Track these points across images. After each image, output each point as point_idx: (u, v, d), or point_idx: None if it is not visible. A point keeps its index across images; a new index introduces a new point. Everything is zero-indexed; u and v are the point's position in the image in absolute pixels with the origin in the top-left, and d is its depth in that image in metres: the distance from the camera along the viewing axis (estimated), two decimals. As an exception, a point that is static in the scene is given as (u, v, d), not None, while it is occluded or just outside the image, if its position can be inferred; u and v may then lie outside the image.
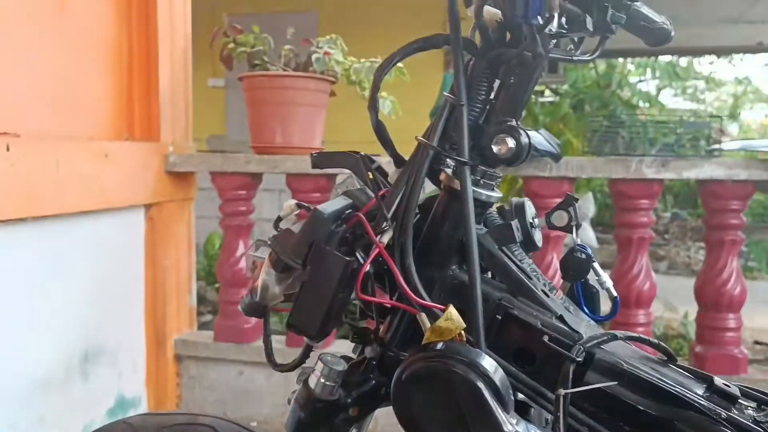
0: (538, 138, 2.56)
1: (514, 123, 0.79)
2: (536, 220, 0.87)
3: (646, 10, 1.04)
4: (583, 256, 0.86)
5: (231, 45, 2.68)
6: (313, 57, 2.56)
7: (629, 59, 10.79)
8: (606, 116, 7.37)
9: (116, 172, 2.39)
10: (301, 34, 2.80)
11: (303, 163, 2.52)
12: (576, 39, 0.90)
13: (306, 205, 0.88)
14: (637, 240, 2.43)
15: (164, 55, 2.63)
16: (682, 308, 4.32)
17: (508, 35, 0.79)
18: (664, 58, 11.13)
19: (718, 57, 11.89)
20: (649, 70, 10.85)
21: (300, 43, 2.73)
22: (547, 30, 0.74)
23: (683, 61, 12.26)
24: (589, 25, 0.79)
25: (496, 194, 0.82)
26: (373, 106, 0.83)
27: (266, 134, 2.63)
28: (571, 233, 0.86)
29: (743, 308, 2.44)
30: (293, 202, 0.90)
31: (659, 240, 8.32)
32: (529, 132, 2.37)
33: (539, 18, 0.70)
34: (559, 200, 2.36)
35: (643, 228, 2.45)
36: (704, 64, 13.17)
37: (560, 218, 0.87)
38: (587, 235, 7.76)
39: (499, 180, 0.82)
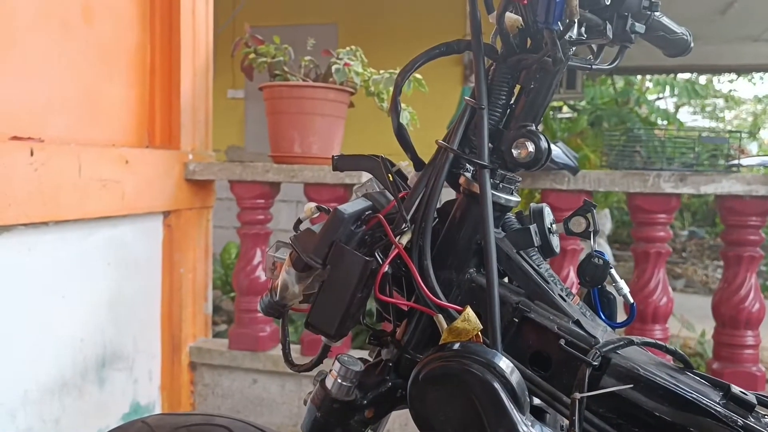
0: (557, 150, 2.56)
1: (533, 127, 0.80)
2: (554, 226, 0.88)
3: (666, 20, 1.04)
4: (600, 262, 0.86)
5: (252, 55, 2.71)
6: (333, 68, 2.58)
7: (647, 76, 10.76)
8: (624, 132, 7.36)
9: (136, 179, 2.42)
10: (321, 45, 2.83)
11: (321, 173, 2.54)
12: (595, 48, 0.90)
13: (326, 207, 0.89)
14: (655, 254, 2.42)
15: (186, 64, 2.66)
16: (699, 327, 4.28)
17: (529, 41, 0.80)
18: (683, 76, 11.09)
19: (738, 75, 11.83)
20: (667, 88, 10.80)
21: (320, 54, 2.76)
22: (567, 36, 0.75)
23: (702, 79, 12.22)
24: (609, 34, 0.79)
25: (515, 198, 0.82)
26: (395, 109, 0.84)
27: (285, 143, 2.65)
28: (589, 239, 0.86)
29: (762, 326, 2.42)
30: (313, 204, 0.91)
31: (676, 258, 8.26)
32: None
33: (560, 24, 0.71)
34: (576, 213, 2.35)
35: (660, 242, 2.44)
36: (724, 83, 13.13)
37: (578, 224, 0.87)
38: (604, 251, 7.72)
39: (518, 184, 0.83)
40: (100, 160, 2.24)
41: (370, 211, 0.80)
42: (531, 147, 0.78)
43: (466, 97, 0.80)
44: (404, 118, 2.63)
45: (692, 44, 1.13)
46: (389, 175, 0.83)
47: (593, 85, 8.85)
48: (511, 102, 0.82)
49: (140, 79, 2.58)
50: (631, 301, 0.86)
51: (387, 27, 6.09)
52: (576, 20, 0.71)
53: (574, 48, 0.79)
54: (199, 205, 2.82)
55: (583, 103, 8.79)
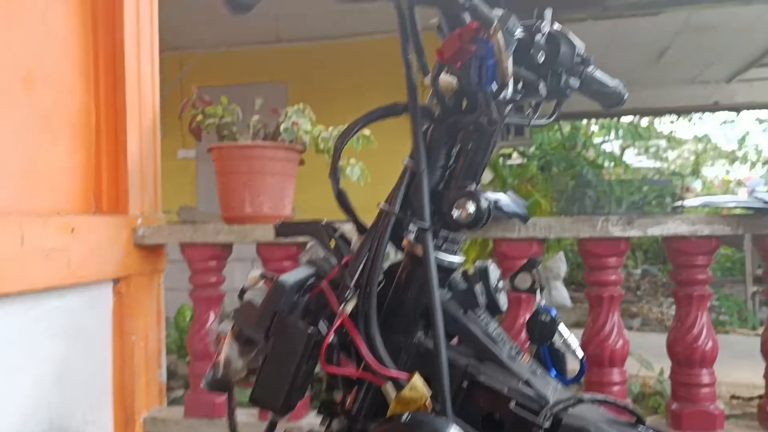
0: (506, 200, 2.59)
1: (473, 187, 0.80)
2: (501, 283, 0.88)
3: (599, 74, 1.07)
4: (548, 319, 0.86)
5: (200, 117, 2.71)
6: (282, 127, 2.59)
7: (593, 120, 11.07)
8: (572, 177, 7.52)
9: (83, 247, 2.36)
10: (271, 104, 2.84)
11: (273, 232, 2.51)
12: (533, 104, 0.92)
13: (270, 275, 0.87)
14: (608, 298, 2.44)
15: (132, 127, 2.64)
16: (657, 365, 4.32)
17: (465, 102, 0.81)
18: (627, 119, 11.44)
19: (678, 116, 12.26)
20: (612, 131, 11.13)
21: (269, 112, 2.77)
22: (501, 97, 0.76)
23: (645, 121, 12.63)
24: (543, 92, 0.81)
25: (459, 258, 0.82)
26: (334, 174, 0.84)
27: (236, 204, 2.63)
28: (535, 295, 0.86)
29: (719, 363, 2.44)
30: (257, 272, 0.89)
31: (632, 297, 8.38)
32: (496, 194, 2.39)
33: (493, 86, 0.72)
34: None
35: (613, 286, 2.46)
36: (665, 124, 13.58)
37: (524, 281, 0.87)
38: (561, 294, 7.79)
39: (462, 244, 0.83)
40: (43, 229, 2.18)
41: (313, 279, 0.79)
42: (471, 208, 0.78)
43: (405, 160, 0.80)
44: (355, 173, 2.65)
45: (626, 95, 1.16)
46: (332, 240, 0.82)
47: (541, 131, 9.05)
48: (451, 162, 0.82)
49: (85, 143, 2.54)
50: (580, 355, 0.86)
51: (336, 84, 6.16)
52: (509, 81, 0.72)
53: (510, 106, 0.80)
54: (150, 269, 2.76)
55: (532, 148, 8.98)
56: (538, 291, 0.86)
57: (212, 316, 2.67)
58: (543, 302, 0.86)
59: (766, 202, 2.35)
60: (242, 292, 0.90)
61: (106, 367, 2.55)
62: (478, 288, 0.82)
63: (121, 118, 2.60)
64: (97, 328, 2.52)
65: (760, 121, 13.31)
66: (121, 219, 2.60)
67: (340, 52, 6.62)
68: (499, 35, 0.68)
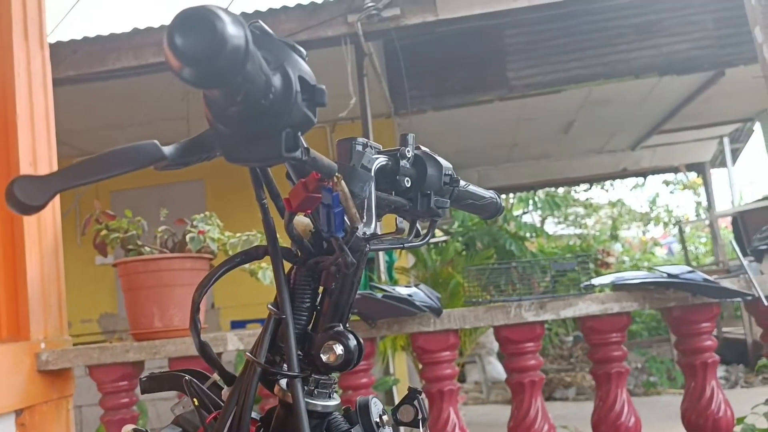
0: (419, 294, 2.57)
1: (341, 328, 0.78)
2: (384, 418, 0.85)
3: (472, 188, 1.09)
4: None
5: (104, 232, 2.64)
6: (188, 237, 2.54)
7: (511, 194, 11.39)
8: (497, 251, 7.64)
9: (-21, 381, 2.22)
10: (189, 202, 2.81)
11: (184, 346, 2.43)
12: (403, 229, 0.92)
13: (143, 430, 0.82)
14: (529, 383, 2.45)
15: (32, 250, 2.54)
16: (593, 437, 4.31)
17: (325, 243, 0.80)
18: (543, 191, 11.82)
19: (591, 184, 12.76)
20: (530, 203, 11.46)
21: (174, 222, 2.72)
22: (362, 234, 0.75)
23: (561, 191, 13.08)
24: (401, 225, 0.81)
25: (334, 402, 0.80)
26: (195, 327, 0.81)
27: (145, 319, 2.54)
28: (419, 428, 0.84)
29: (653, 426, 2.46)
30: (131, 427, 0.84)
31: (565, 365, 8.44)
32: (410, 288, 2.37)
33: (346, 229, 0.72)
34: (447, 353, 2.35)
35: (533, 371, 2.47)
36: (580, 192, 14.10)
37: (407, 413, 0.85)
38: (495, 369, 7.77)
39: (335, 385, 0.81)
40: (-69, 368, 2.04)
41: (177, 442, 0.75)
42: (339, 349, 0.76)
43: (269, 305, 0.78)
44: (267, 277, 2.61)
45: (503, 206, 1.19)
46: (194, 399, 0.78)
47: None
48: (317, 303, 0.81)
49: (-20, 271, 2.43)
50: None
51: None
52: (360, 225, 0.72)
53: (372, 241, 0.80)
54: (57, 396, 2.61)
55: (455, 225, 9.12)
56: (421, 423, 0.84)
57: (125, 440, 2.53)
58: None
59: (670, 275, 2.43)
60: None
61: None
62: (356, 431, 0.79)
63: (18, 242, 2.51)
64: (-1, 466, 2.35)
65: (667, 183, 14.00)
66: (22, 345, 2.47)
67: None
68: (343, 183, 0.68)
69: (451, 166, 0.97)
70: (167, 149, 0.64)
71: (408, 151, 0.90)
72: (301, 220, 0.79)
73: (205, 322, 2.72)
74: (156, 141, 0.64)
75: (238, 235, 2.60)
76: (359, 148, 0.80)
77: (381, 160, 0.84)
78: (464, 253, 7.94)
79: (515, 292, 2.85)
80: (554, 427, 2.48)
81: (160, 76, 4.64)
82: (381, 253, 5.07)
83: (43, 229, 2.62)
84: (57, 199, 2.76)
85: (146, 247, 2.60)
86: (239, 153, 0.62)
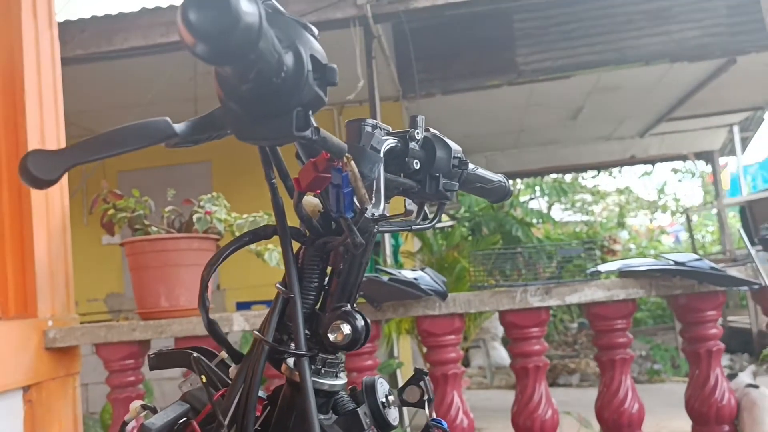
0: (425, 278, 2.57)
1: (348, 308, 0.78)
2: (390, 398, 0.86)
3: (481, 171, 1.09)
4: (438, 431, 0.84)
5: (111, 211, 2.64)
6: (195, 217, 2.55)
7: (518, 180, 11.36)
8: (503, 236, 7.63)
9: (-13, 357, 2.24)
10: (196, 184, 2.81)
11: (190, 325, 2.44)
12: (412, 211, 0.92)
13: (151, 406, 0.83)
14: (533, 369, 2.45)
15: (39, 230, 2.55)
16: (596, 422, 4.32)
17: (333, 223, 0.80)
18: (551, 177, 11.79)
19: (599, 171, 12.72)
20: (537, 189, 11.43)
21: (181, 203, 2.73)
22: (370, 215, 0.75)
23: (568, 178, 13.04)
24: (410, 207, 0.81)
25: (341, 381, 0.80)
26: (203, 305, 0.82)
27: (151, 299, 2.55)
28: (424, 409, 0.84)
29: (657, 413, 2.46)
30: (138, 403, 0.85)
31: (570, 352, 8.45)
32: (415, 272, 2.37)
33: (355, 209, 0.72)
34: (452, 337, 2.35)
35: (537, 356, 2.47)
36: (588, 179, 14.07)
37: (412, 394, 0.86)
38: (499, 355, 7.80)
39: (342, 365, 0.81)
40: (-60, 344, 2.06)
41: (185, 418, 0.76)
42: (347, 329, 0.76)
43: (277, 285, 0.79)
44: (273, 259, 2.61)
45: (511, 189, 1.18)
46: (202, 376, 0.78)
47: (468, 194, 9.22)
48: (325, 282, 0.81)
49: (-12, 249, 2.44)
50: (474, 468, 0.84)
51: (260, 163, 6.15)
52: (369, 206, 0.72)
53: (380, 222, 0.80)
54: (64, 373, 2.63)
55: (461, 210, 9.12)
56: (427, 404, 0.84)
57: (132, 418, 2.55)
58: (432, 414, 0.84)
59: (677, 263, 2.43)
60: (123, 425, 0.85)
61: (17, 484, 2.39)
62: (362, 410, 0.79)
63: (26, 219, 2.51)
64: (7, 441, 2.37)
65: (675, 171, 13.95)
66: (30, 323, 2.49)
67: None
68: (352, 164, 0.68)
69: (460, 149, 0.96)
70: (178, 126, 0.65)
71: (417, 133, 0.90)
72: (310, 201, 0.79)
73: (211, 302, 2.73)
74: (167, 118, 0.64)
75: (244, 216, 2.61)
76: (369, 129, 0.80)
77: (390, 141, 0.84)
78: (470, 238, 7.94)
79: (521, 278, 2.85)
80: (558, 412, 2.49)
81: (168, 57, 4.64)
82: (387, 237, 5.07)
83: (51, 208, 2.63)
84: (65, 178, 2.76)
85: (153, 227, 2.60)
86: (250, 131, 0.62)
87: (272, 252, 2.65)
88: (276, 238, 0.80)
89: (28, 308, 2.53)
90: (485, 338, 7.58)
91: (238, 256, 0.86)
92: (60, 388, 2.60)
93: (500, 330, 8.04)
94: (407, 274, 2.40)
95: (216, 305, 6.25)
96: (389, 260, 5.09)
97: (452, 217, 8.80)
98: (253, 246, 2.67)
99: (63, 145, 2.73)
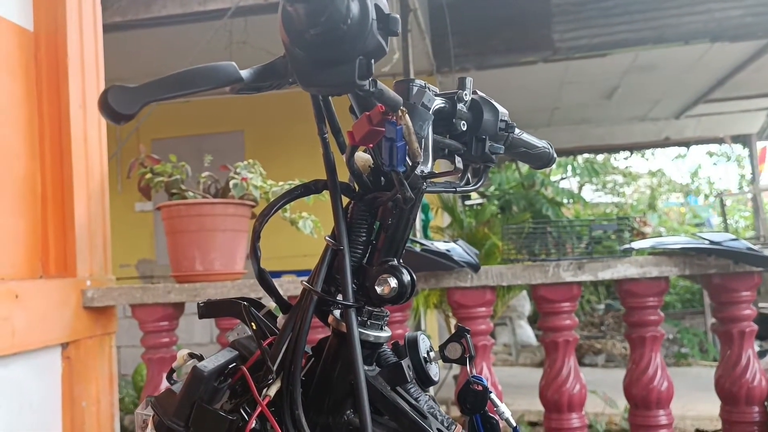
0: (458, 250, 2.57)
1: (395, 262, 0.80)
2: (431, 354, 0.87)
3: (526, 136, 1.09)
4: (480, 388, 0.85)
5: (149, 175, 2.69)
6: (231, 183, 2.58)
7: (550, 159, 11.23)
8: (532, 215, 7.59)
9: (28, 313, 2.30)
10: (228, 153, 2.85)
11: (224, 289, 2.48)
12: (461, 169, 0.93)
13: (198, 354, 0.86)
14: (563, 343, 2.46)
15: (79, 190, 2.60)
16: (621, 402, 4.32)
17: (383, 179, 0.81)
18: (583, 156, 11.67)
19: (632, 152, 12.56)
20: (569, 168, 11.32)
21: (218, 168, 2.76)
22: (419, 171, 0.76)
23: (600, 158, 12.90)
24: (459, 165, 0.82)
25: (385, 333, 0.82)
26: (254, 254, 0.83)
27: (186, 262, 2.60)
28: (466, 365, 0.86)
29: (683, 397, 2.45)
30: (186, 352, 0.87)
31: (596, 332, 8.43)
32: (448, 244, 2.37)
33: (405, 165, 0.73)
34: (483, 309, 2.36)
35: (567, 330, 2.47)
36: (620, 160, 13.90)
37: (454, 350, 0.87)
38: (525, 333, 7.80)
39: (387, 318, 0.83)
40: (-15, 298, 2.12)
41: (234, 364, 0.78)
42: (393, 282, 0.78)
43: (327, 237, 0.80)
44: (307, 227, 2.64)
45: (555, 156, 1.18)
46: (252, 323, 0.81)
47: (499, 171, 9.18)
48: (372, 237, 0.83)
49: (30, 208, 2.49)
50: (514, 425, 0.86)
51: (293, 132, 6.17)
52: (421, 160, 0.73)
53: (428, 180, 0.81)
54: (101, 332, 2.70)
55: (491, 188, 9.07)
56: (468, 361, 0.86)
57: (165, 378, 2.61)
58: (473, 371, 0.86)
59: (712, 242, 2.40)
60: (171, 372, 0.88)
61: (56, 437, 2.47)
62: (405, 363, 0.81)
63: (67, 182, 2.57)
64: (46, 395, 2.45)
65: (711, 155, 13.71)
66: (69, 282, 2.55)
67: (295, 99, 6.66)
68: (407, 117, 0.69)
69: (507, 112, 0.97)
70: (244, 72, 0.66)
71: (465, 94, 0.90)
72: (361, 156, 0.80)
73: (244, 268, 2.76)
74: (234, 63, 0.65)
75: (280, 183, 2.63)
76: (418, 88, 0.81)
77: (439, 101, 0.84)
78: (500, 216, 7.91)
79: (549, 257, 2.85)
80: (585, 387, 2.50)
81: (205, 25, 4.66)
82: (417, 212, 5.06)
83: (91, 171, 2.68)
84: (104, 140, 2.82)
85: (190, 192, 2.64)
86: (313, 78, 0.63)
87: (306, 220, 2.68)
88: (308, 208, 0.82)
89: (68, 268, 2.59)
90: (511, 316, 7.58)
91: (269, 225, 0.88)
92: (97, 347, 2.67)
93: (527, 308, 8.03)
94: (440, 245, 2.41)
95: (248, 273, 6.33)
96: (419, 234, 5.10)
97: (482, 195, 8.76)
98: (287, 213, 2.70)
99: (103, 85, 2.77)
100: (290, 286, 2.43)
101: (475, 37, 6.09)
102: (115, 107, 0.60)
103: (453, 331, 0.90)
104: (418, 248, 2.36)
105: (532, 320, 8.13)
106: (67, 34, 2.59)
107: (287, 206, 2.67)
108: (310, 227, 2.67)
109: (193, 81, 0.64)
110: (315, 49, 0.61)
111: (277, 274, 6.05)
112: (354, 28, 0.59)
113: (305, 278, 0.82)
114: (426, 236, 5.55)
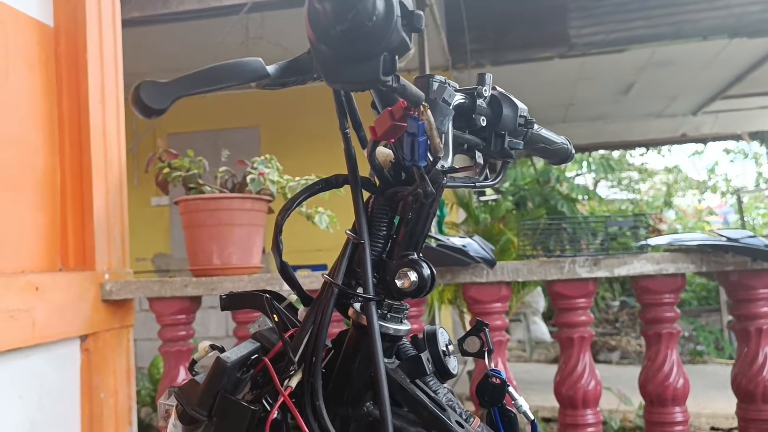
0: (474, 245, 2.57)
1: (415, 256, 0.81)
2: (450, 347, 0.88)
3: (545, 132, 1.10)
4: (498, 381, 0.86)
5: (166, 170, 2.71)
6: (248, 178, 2.59)
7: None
8: (547, 211, 7.57)
9: (48, 305, 2.33)
10: (244, 148, 2.86)
11: (242, 283, 2.50)
12: (482, 164, 0.94)
13: (219, 346, 0.87)
14: (578, 339, 2.45)
15: (98, 183, 2.63)
16: (636, 399, 4.31)
17: (403, 173, 0.82)
18: (598, 153, 11.61)
19: (648, 149, 12.48)
20: (584, 164, 11.27)
21: (235, 163, 2.77)
22: (440, 166, 0.77)
23: (616, 154, 12.82)
24: (480, 161, 0.82)
25: (405, 327, 0.82)
26: (277, 247, 0.85)
27: (204, 256, 2.62)
28: (484, 359, 0.86)
29: (698, 395, 2.44)
30: (207, 343, 0.89)
31: (610, 329, 8.40)
32: (464, 239, 2.37)
33: (426, 160, 0.73)
34: (498, 305, 2.37)
35: (582, 327, 2.47)
36: (636, 156, 13.81)
37: (473, 344, 0.88)
38: (540, 329, 7.79)
39: (407, 312, 0.83)
40: (6, 289, 2.15)
41: (256, 355, 0.79)
42: (413, 276, 0.79)
43: (347, 231, 0.81)
44: (323, 221, 2.65)
45: (573, 151, 1.18)
46: (275, 315, 0.82)
47: (514, 167, 9.15)
48: (393, 231, 0.83)
49: (50, 202, 2.52)
50: (531, 418, 0.86)
51: (308, 128, 6.19)
52: (442, 155, 0.73)
53: (448, 175, 0.81)
54: (118, 325, 2.73)
55: (506, 184, 9.05)
56: (486, 354, 0.86)
57: (182, 370, 2.64)
58: (492, 365, 0.86)
59: (730, 239, 2.39)
60: (192, 363, 0.89)
61: (74, 427, 2.50)
62: (425, 355, 0.82)
63: (86, 175, 2.59)
64: (65, 387, 2.48)
65: (728, 152, 13.60)
66: (88, 275, 2.58)
67: (310, 94, 6.67)
68: (429, 113, 0.69)
69: (526, 107, 0.97)
70: (270, 68, 0.67)
71: (485, 90, 0.91)
72: (382, 151, 0.81)
73: (261, 262, 2.78)
74: (260, 59, 0.66)
75: (297, 178, 2.64)
76: (439, 83, 0.81)
77: (459, 97, 0.85)
78: (515, 212, 7.89)
79: (564, 253, 2.84)
80: (601, 383, 2.49)
81: (222, 21, 4.68)
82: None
83: (110, 164, 2.71)
84: (123, 135, 2.84)
85: (207, 186, 2.66)
86: (338, 74, 0.64)
87: (322, 215, 2.69)
88: (324, 203, 0.83)
89: (87, 261, 2.62)
90: (526, 312, 7.57)
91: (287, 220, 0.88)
92: (115, 339, 2.70)
93: (541, 305, 8.02)
94: (455, 240, 2.41)
95: (264, 267, 6.36)
96: (434, 230, 5.10)
97: (497, 191, 8.75)
98: (303, 208, 2.71)
99: (122, 106, 2.80)
100: (305, 281, 2.45)
101: (491, 32, 6.07)
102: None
103: (467, 326, 0.91)
104: (434, 243, 2.36)
105: (547, 317, 8.11)
106: (87, 30, 2.62)
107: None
108: (326, 222, 2.68)
109: (222, 76, 0.65)
110: (341, 46, 0.61)
111: (294, 268, 6.10)
112: (379, 24, 0.60)
113: (324, 272, 0.83)
114: (441, 232, 5.56)
